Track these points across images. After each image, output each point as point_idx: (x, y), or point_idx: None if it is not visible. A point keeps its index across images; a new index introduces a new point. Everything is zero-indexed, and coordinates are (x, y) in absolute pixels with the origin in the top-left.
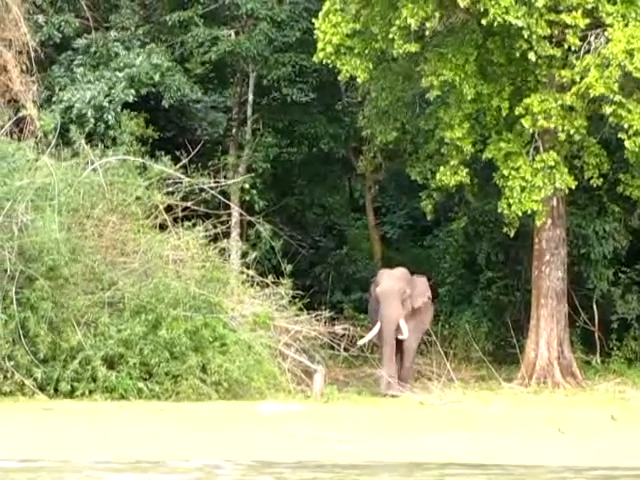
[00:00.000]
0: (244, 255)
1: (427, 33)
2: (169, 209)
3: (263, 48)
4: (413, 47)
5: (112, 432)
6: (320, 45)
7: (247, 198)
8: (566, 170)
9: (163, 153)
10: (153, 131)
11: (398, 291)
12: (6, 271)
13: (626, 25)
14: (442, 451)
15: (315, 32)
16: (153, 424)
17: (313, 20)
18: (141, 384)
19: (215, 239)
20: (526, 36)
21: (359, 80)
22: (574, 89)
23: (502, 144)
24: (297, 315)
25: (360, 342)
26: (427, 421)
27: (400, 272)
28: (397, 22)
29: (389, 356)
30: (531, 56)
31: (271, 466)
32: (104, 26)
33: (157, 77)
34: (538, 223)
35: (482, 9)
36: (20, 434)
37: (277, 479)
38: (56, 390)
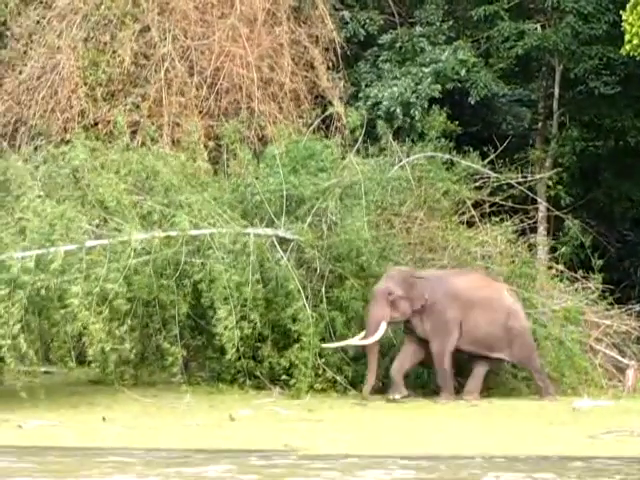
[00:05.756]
0: (552, 250)
1: None
2: (476, 205)
3: (570, 41)
4: None
5: (428, 428)
6: (627, 37)
7: (553, 193)
8: None
9: (471, 148)
10: (457, 126)
11: (382, 292)
12: (316, 270)
13: None
14: None
15: (622, 24)
16: (454, 421)
17: (620, 12)
18: None
19: (522, 234)
20: None
21: None
22: None
23: None
24: (607, 310)
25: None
26: None
27: (395, 271)
28: None
29: (371, 360)
30: None
31: (584, 461)
32: (409, 21)
33: (463, 72)
34: None
35: None
36: (339, 429)
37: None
38: None
